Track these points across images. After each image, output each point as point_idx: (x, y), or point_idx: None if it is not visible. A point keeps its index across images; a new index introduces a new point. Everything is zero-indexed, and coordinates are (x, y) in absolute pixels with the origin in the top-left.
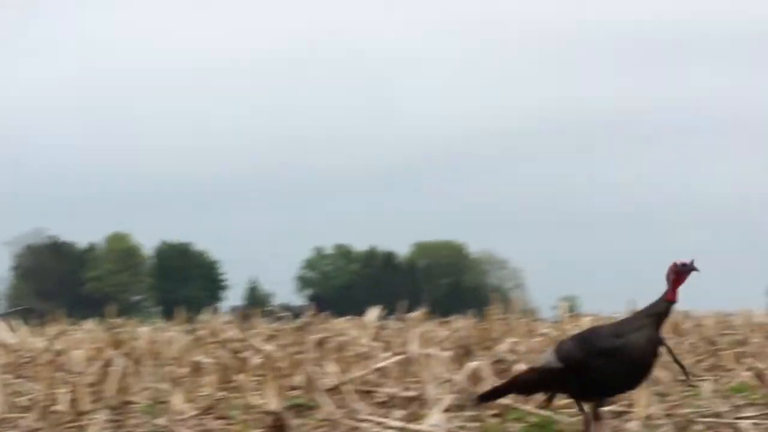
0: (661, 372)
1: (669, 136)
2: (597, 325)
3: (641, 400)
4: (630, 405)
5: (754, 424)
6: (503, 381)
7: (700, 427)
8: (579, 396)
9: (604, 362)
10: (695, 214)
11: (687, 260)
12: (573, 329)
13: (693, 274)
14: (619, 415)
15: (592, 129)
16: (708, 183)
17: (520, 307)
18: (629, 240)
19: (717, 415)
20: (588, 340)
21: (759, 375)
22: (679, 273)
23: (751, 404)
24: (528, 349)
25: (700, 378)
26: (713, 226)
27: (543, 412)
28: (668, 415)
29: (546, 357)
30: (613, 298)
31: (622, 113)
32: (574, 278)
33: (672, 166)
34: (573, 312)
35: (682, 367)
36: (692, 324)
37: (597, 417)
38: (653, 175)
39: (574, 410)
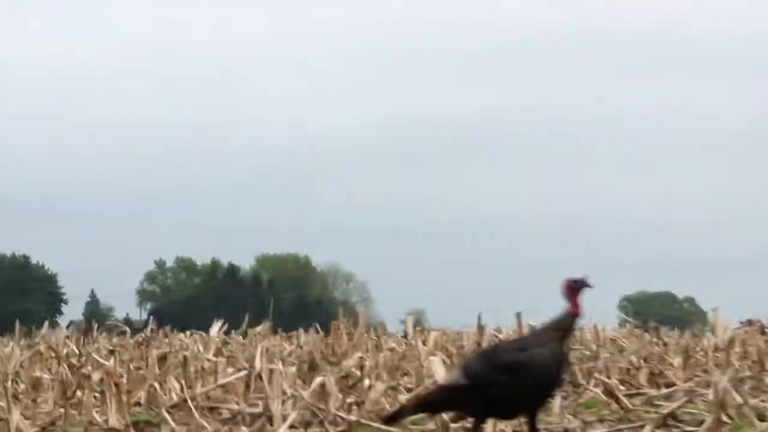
0: None
1: (508, 147)
2: (503, 340)
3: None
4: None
5: None
6: (408, 400)
7: None
8: (485, 414)
9: (509, 378)
10: (542, 226)
11: (579, 276)
12: (420, 344)
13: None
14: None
15: (434, 143)
16: (554, 194)
17: (366, 321)
18: (475, 253)
19: (567, 431)
20: (492, 355)
21: (609, 390)
22: (573, 289)
23: (601, 420)
24: (375, 364)
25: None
26: (560, 239)
27: (393, 429)
28: None
29: (452, 374)
30: (461, 311)
31: (462, 126)
32: (421, 292)
33: (518, 177)
34: (420, 326)
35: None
36: None
37: None
38: (499, 188)
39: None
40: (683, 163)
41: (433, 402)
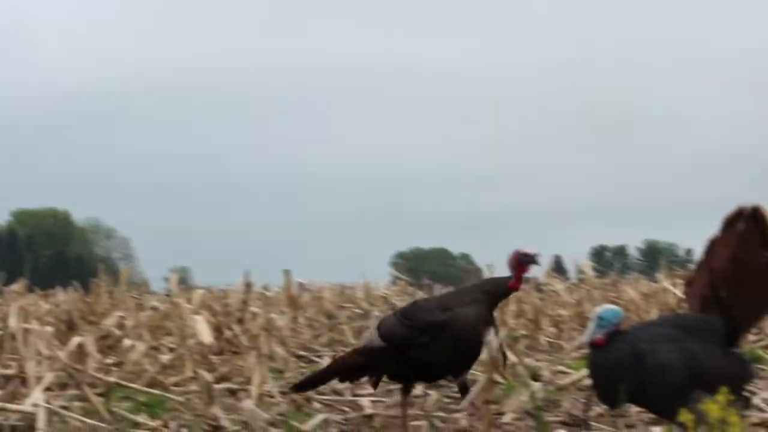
0: (277, 347)
1: (269, 102)
2: (421, 298)
3: (256, 376)
4: (245, 382)
5: (372, 401)
6: (322, 367)
7: (317, 405)
8: (406, 378)
9: (429, 339)
10: (306, 183)
11: (530, 251)
12: (183, 302)
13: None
14: (233, 393)
15: (205, 95)
16: (332, 148)
17: (128, 279)
18: (243, 208)
19: (336, 392)
20: (411, 314)
21: None
22: (520, 263)
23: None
24: (136, 324)
25: (318, 353)
26: (331, 195)
27: (153, 391)
28: (284, 393)
29: (368, 335)
30: (225, 269)
31: (237, 78)
32: (186, 249)
33: (295, 130)
34: (184, 284)
35: (503, 353)
36: (310, 297)
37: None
38: (271, 140)
39: (188, 389)
40: (471, 117)
41: (348, 367)
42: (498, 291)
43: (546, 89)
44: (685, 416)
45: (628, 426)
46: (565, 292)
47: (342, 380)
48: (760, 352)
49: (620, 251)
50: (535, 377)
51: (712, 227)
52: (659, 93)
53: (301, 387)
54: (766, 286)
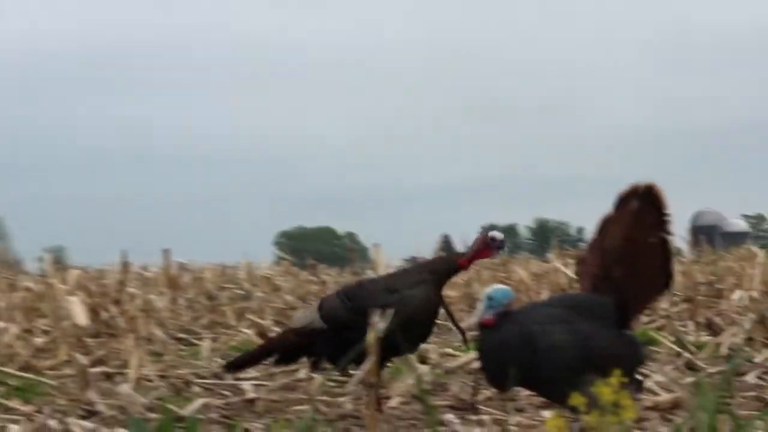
0: (155, 330)
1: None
2: (367, 278)
3: (134, 360)
4: (122, 365)
5: (255, 385)
6: (255, 347)
7: (197, 389)
8: (346, 362)
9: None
10: (187, 161)
11: (500, 236)
12: (59, 283)
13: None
14: (110, 376)
15: (74, 66)
16: (216, 123)
17: (0, 258)
18: (117, 188)
19: (216, 375)
20: (355, 295)
21: (262, 332)
22: (487, 247)
23: None
24: (9, 305)
25: (198, 336)
26: (214, 173)
27: (26, 375)
28: (163, 376)
29: (307, 315)
30: (102, 248)
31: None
32: (62, 228)
33: (175, 105)
34: (60, 264)
35: (461, 331)
36: (190, 277)
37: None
38: (136, 116)
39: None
40: (359, 95)
41: (284, 347)
42: (446, 269)
43: (435, 66)
44: (576, 399)
45: (518, 410)
46: None
47: (277, 362)
48: (653, 334)
49: (510, 230)
50: (423, 360)
51: (605, 205)
52: (551, 72)
53: (231, 367)
54: (659, 267)
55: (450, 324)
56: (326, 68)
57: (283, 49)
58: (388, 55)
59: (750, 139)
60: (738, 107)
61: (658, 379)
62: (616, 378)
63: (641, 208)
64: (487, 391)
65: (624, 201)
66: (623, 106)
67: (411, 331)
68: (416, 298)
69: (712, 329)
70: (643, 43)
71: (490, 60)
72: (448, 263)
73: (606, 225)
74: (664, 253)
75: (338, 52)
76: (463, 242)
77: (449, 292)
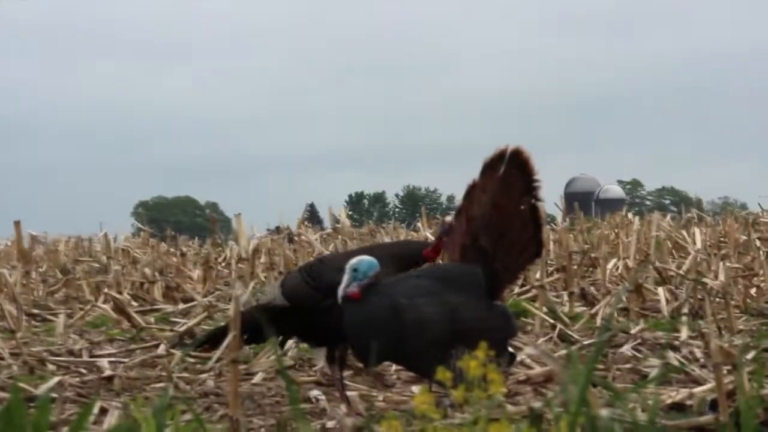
0: (7, 305)
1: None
2: (328, 254)
3: None
4: None
5: (111, 362)
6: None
7: (52, 366)
8: (308, 341)
9: (334, 302)
10: (40, 131)
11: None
12: None
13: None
14: None
15: None
16: (70, 92)
17: None
18: None
19: (71, 353)
20: (317, 272)
21: (119, 307)
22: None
23: (111, 340)
24: None
25: (53, 311)
26: (68, 143)
27: None
28: (15, 354)
29: (270, 292)
30: None
31: None
32: None
33: (23, 74)
34: None
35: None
36: (44, 250)
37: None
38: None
39: None
40: (218, 62)
41: (247, 324)
42: (410, 256)
43: (296, 33)
44: (443, 374)
45: (386, 385)
46: (320, 242)
47: (246, 341)
48: (526, 305)
49: (378, 198)
50: None
51: (474, 172)
52: (420, 35)
53: (197, 344)
54: (529, 235)
55: None
56: (183, 37)
57: (138, 19)
58: (245, 22)
59: (625, 105)
60: (615, 75)
61: (531, 351)
62: (484, 351)
63: (508, 173)
64: (354, 366)
65: (490, 166)
66: (499, 72)
67: None
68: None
69: (587, 300)
70: (520, 7)
71: (356, 24)
72: (411, 249)
73: (473, 192)
74: (535, 220)
75: (196, 20)
76: (329, 211)
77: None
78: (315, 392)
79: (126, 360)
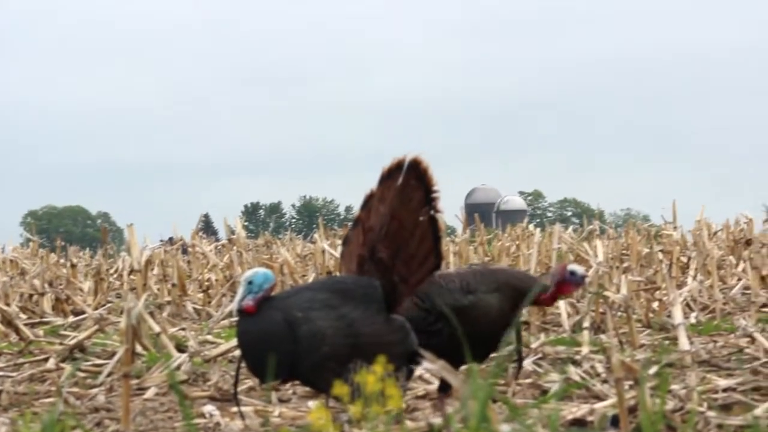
0: None
1: None
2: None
3: None
4: None
5: None
6: None
7: None
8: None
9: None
10: None
11: (581, 269)
12: None
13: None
14: None
15: None
16: None
17: None
18: None
19: None
20: (427, 293)
21: (7, 320)
22: (565, 282)
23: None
24: None
25: None
26: None
27: None
28: None
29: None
30: None
31: None
32: None
33: None
34: None
35: (519, 360)
36: None
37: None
38: None
39: None
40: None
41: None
42: (524, 290)
43: (199, 44)
44: (339, 389)
45: (282, 401)
46: (214, 253)
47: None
48: None
49: (275, 209)
50: (181, 348)
51: (373, 181)
52: (326, 38)
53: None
54: (428, 246)
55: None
56: (76, 40)
57: (28, 19)
58: (149, 28)
59: (528, 116)
60: (518, 86)
61: (430, 366)
62: (382, 366)
63: (406, 183)
64: (250, 381)
65: (389, 175)
66: (403, 78)
67: (478, 338)
68: (493, 307)
69: None
70: (430, 13)
71: (255, 31)
72: (527, 284)
73: (370, 202)
74: (434, 231)
75: (91, 24)
76: (224, 222)
77: (209, 275)
78: (208, 407)
79: (14, 374)
